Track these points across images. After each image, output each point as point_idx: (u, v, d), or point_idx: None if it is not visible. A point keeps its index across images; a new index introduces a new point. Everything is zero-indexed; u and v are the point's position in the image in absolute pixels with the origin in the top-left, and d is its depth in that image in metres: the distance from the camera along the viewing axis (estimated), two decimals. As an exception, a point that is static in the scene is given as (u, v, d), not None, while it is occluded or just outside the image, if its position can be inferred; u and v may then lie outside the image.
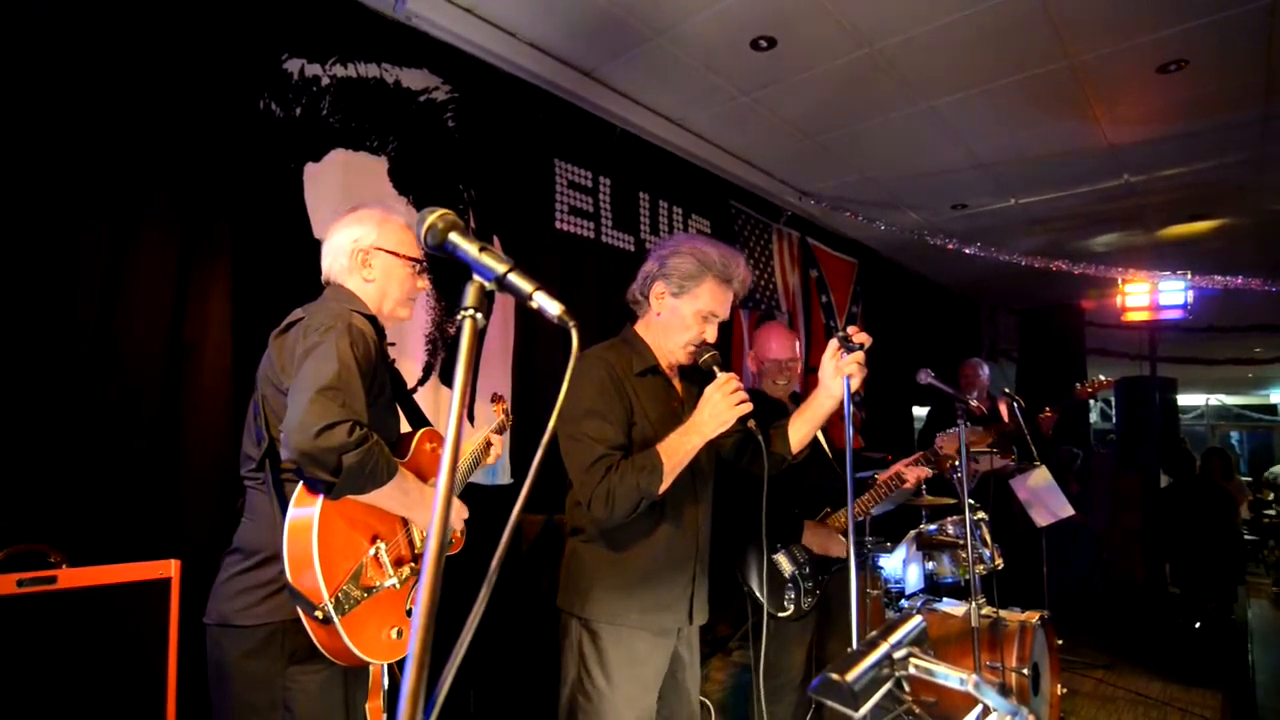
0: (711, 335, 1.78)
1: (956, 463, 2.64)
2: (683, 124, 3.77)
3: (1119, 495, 6.12)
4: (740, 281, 1.81)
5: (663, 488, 1.63)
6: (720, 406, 1.60)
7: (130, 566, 1.61)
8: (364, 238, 1.62)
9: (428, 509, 1.54)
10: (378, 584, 1.44)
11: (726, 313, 1.80)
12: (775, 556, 2.46)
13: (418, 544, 1.59)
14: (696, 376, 1.84)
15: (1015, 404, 4.03)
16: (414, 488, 1.52)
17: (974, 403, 2.40)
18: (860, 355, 1.69)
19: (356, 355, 1.41)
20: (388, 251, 1.64)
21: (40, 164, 1.81)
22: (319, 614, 1.33)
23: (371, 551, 1.45)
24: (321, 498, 1.36)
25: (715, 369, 1.67)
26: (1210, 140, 3.86)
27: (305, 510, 1.37)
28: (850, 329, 1.75)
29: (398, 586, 1.48)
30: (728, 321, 1.90)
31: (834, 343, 1.72)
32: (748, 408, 1.61)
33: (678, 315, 1.78)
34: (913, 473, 2.59)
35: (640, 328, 1.88)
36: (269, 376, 1.49)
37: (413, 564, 1.55)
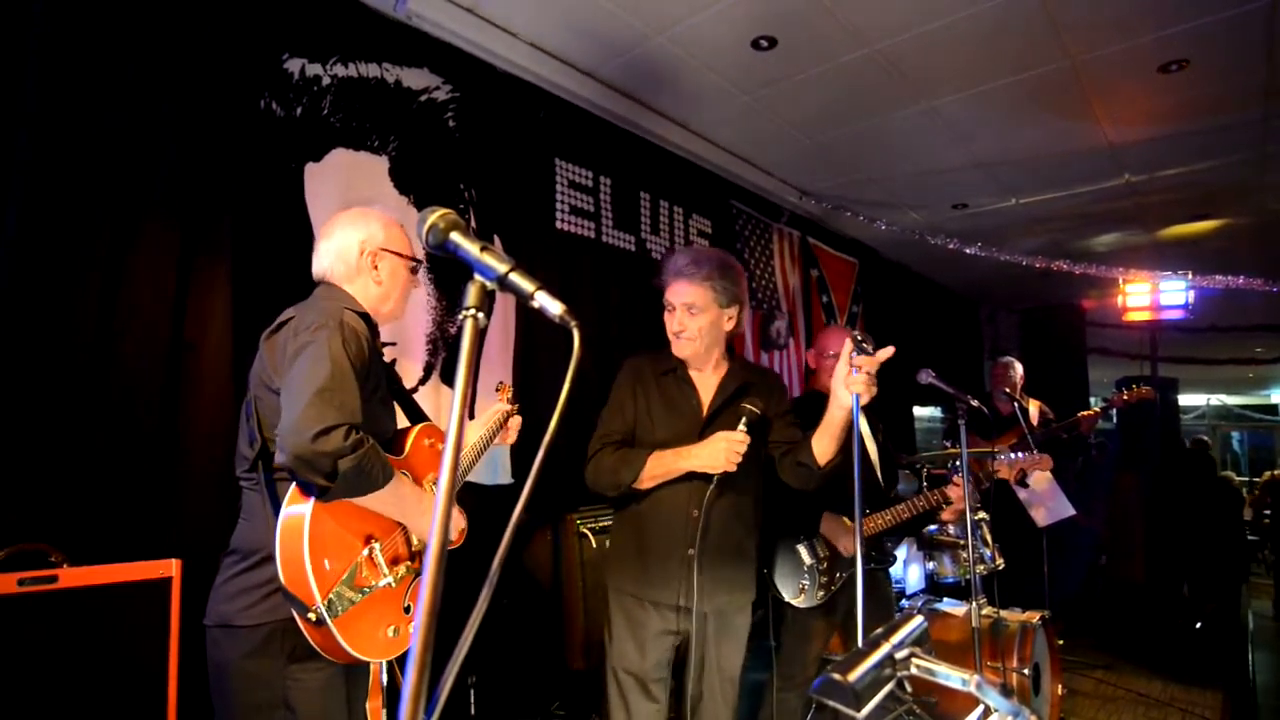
0: (671, 321, 2.02)
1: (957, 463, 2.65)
2: (684, 124, 3.77)
3: (1119, 495, 6.11)
4: (675, 266, 2.02)
5: (640, 485, 1.97)
6: (718, 452, 1.87)
7: (130, 566, 1.61)
8: (371, 239, 1.60)
9: (422, 515, 1.52)
10: (373, 584, 1.43)
11: (683, 295, 2.00)
12: (797, 546, 2.51)
13: (415, 541, 1.57)
14: (736, 370, 2.13)
15: (1017, 404, 4.01)
16: (410, 494, 1.50)
17: (975, 403, 2.39)
18: (872, 364, 1.70)
19: (349, 354, 1.39)
20: (394, 253, 1.63)
21: (41, 163, 1.81)
22: (312, 616, 1.32)
23: (366, 552, 1.44)
24: (313, 499, 1.35)
25: (743, 423, 1.89)
26: (1211, 140, 3.86)
27: (297, 511, 1.36)
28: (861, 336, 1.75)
29: (393, 585, 1.47)
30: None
31: (848, 344, 1.74)
32: (731, 468, 1.87)
33: None
34: (956, 491, 2.59)
35: None
36: (260, 378, 1.48)
37: (409, 562, 1.54)
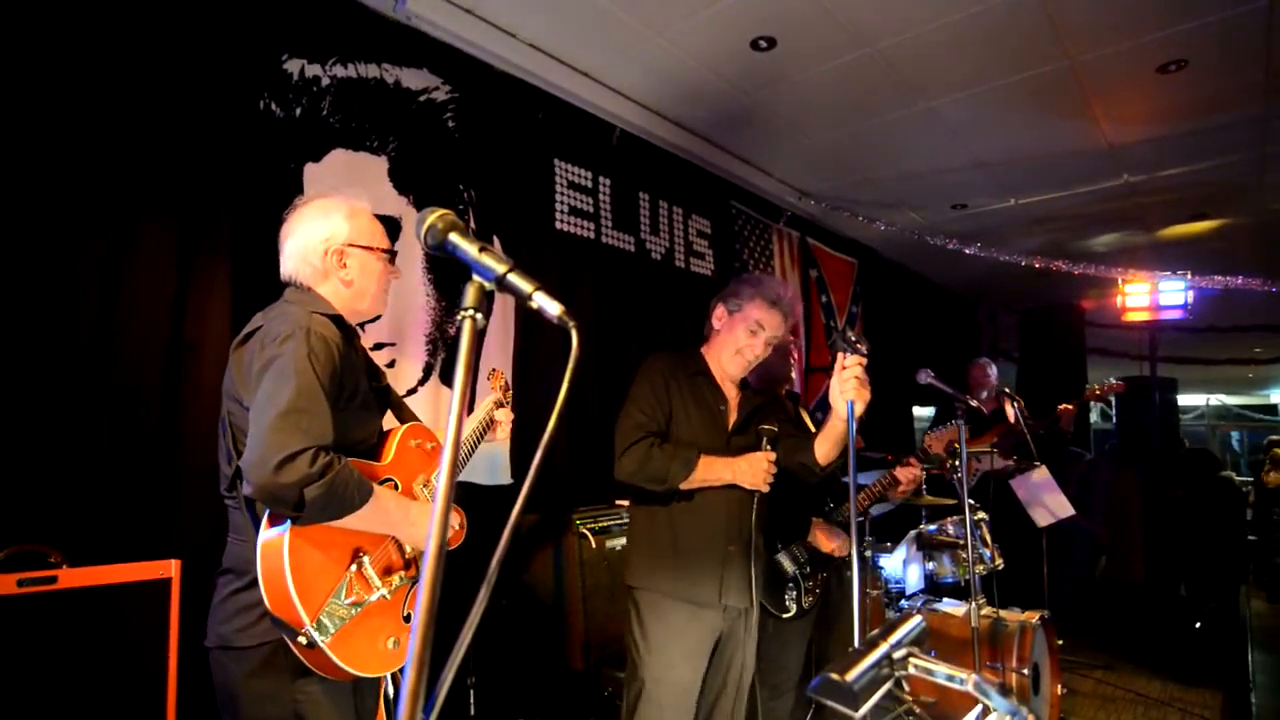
0: (753, 344, 2.05)
1: (956, 463, 2.66)
2: (683, 124, 3.77)
3: (1119, 496, 6.11)
4: (787, 303, 2.07)
5: (685, 485, 1.95)
6: (757, 470, 1.95)
7: (130, 566, 1.61)
8: (335, 236, 1.48)
9: (413, 525, 1.45)
10: (365, 599, 1.36)
11: (775, 329, 2.06)
12: (777, 556, 2.45)
13: (408, 549, 1.50)
14: (750, 391, 2.19)
15: (1011, 402, 4.01)
16: (394, 507, 1.42)
17: (975, 403, 2.40)
18: (859, 368, 1.73)
19: (316, 366, 1.31)
20: (362, 247, 1.51)
21: (42, 164, 1.81)
22: (302, 639, 1.27)
23: (354, 567, 1.37)
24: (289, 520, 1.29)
25: (765, 443, 1.99)
26: (1210, 140, 3.86)
27: (275, 533, 1.29)
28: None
29: (388, 597, 1.40)
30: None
31: (839, 357, 1.77)
32: (765, 489, 1.97)
33: (731, 329, 2.09)
34: (905, 473, 2.61)
35: (704, 349, 2.19)
36: (231, 392, 1.41)
37: (404, 571, 1.46)
